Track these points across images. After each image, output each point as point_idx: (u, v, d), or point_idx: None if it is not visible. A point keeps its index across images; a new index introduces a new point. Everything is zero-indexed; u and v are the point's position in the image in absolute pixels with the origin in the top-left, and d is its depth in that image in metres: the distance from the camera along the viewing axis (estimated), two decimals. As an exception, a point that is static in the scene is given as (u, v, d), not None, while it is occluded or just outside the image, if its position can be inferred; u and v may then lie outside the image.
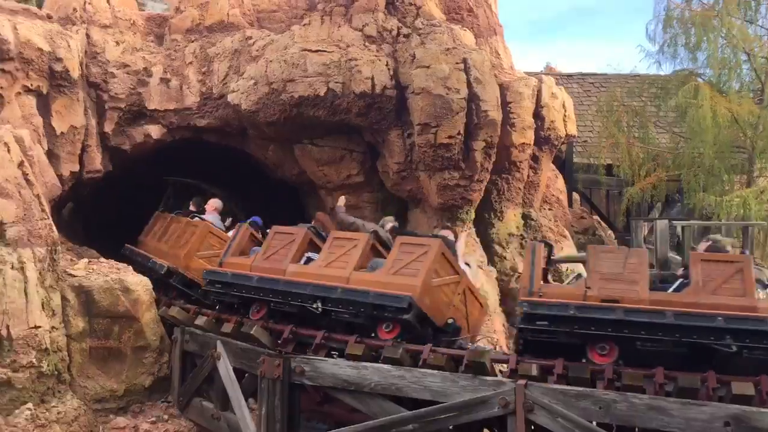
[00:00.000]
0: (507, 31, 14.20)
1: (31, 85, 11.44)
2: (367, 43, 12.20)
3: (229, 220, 11.71)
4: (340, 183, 12.76)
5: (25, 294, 8.62)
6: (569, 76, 20.77)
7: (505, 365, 7.41)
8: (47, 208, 9.58)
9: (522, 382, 6.65)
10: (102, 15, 13.05)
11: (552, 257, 8.24)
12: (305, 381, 7.90)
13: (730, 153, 15.54)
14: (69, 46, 11.81)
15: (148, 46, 13.37)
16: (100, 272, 9.97)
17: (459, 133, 11.38)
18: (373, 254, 8.27)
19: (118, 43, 12.93)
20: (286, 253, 8.61)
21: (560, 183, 14.74)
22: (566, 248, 12.96)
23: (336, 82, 11.60)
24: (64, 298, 9.32)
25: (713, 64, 15.93)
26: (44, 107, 11.70)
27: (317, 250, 8.62)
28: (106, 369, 9.59)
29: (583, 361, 6.76)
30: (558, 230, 13.21)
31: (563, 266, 12.41)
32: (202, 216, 11.40)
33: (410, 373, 7.23)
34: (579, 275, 10.02)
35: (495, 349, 8.54)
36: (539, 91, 12.75)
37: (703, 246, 7.86)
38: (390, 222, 9.49)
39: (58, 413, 8.59)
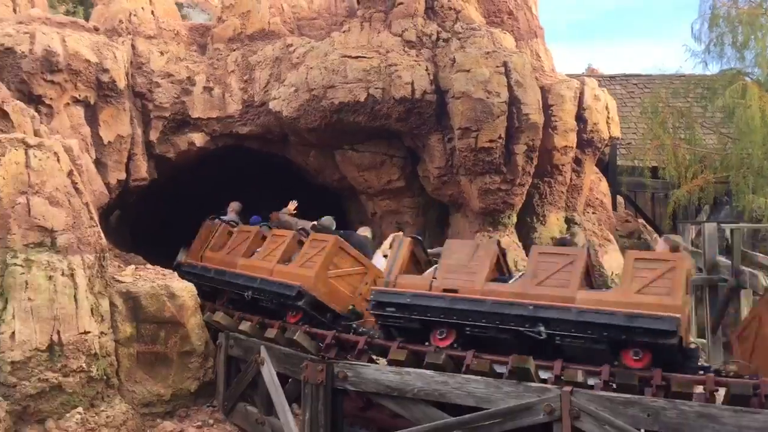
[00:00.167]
0: (547, 34, 14.09)
1: (79, 95, 11.74)
2: (406, 49, 12.22)
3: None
4: (381, 188, 12.79)
5: (75, 300, 8.79)
6: (612, 77, 20.49)
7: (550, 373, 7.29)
8: (96, 216, 9.78)
9: (568, 388, 6.55)
10: (147, 26, 13.33)
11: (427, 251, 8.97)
12: (348, 386, 7.92)
13: (779, 153, 15.12)
14: (115, 57, 12.09)
15: (191, 56, 13.60)
16: (146, 278, 10.14)
17: (500, 137, 11.31)
18: (298, 249, 9.54)
19: (162, 53, 13.19)
20: None
21: (604, 186, 14.52)
22: (611, 252, 12.75)
23: (376, 88, 11.64)
24: (112, 304, 9.48)
25: (761, 63, 15.53)
26: (92, 117, 12.00)
27: None
28: (153, 374, 9.73)
29: (426, 344, 7.57)
30: (602, 234, 13.01)
31: (608, 269, 12.24)
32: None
33: (453, 378, 7.19)
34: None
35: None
36: (581, 94, 12.60)
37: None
38: (327, 220, 10.17)
39: (107, 417, 8.74)
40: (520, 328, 7.06)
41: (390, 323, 7.91)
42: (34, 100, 11.29)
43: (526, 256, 12.06)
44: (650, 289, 6.72)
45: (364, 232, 10.40)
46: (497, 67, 11.44)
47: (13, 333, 8.31)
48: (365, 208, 13.36)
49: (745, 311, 11.34)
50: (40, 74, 11.27)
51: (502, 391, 6.91)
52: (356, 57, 11.94)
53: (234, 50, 13.52)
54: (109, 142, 12.13)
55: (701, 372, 6.79)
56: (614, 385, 6.65)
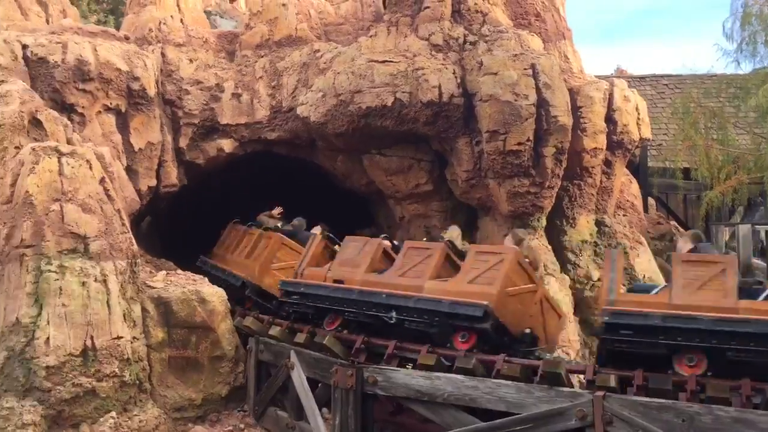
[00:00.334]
0: (575, 35, 13.96)
1: (111, 103, 11.92)
2: (433, 52, 12.20)
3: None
4: (409, 192, 12.77)
5: (108, 306, 8.91)
6: (642, 78, 20.25)
7: (581, 375, 7.22)
8: (127, 222, 9.91)
9: (600, 393, 6.47)
10: (176, 34, 13.50)
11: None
12: (378, 391, 7.90)
13: (815, 153, 14.79)
14: (145, 65, 12.26)
15: (219, 63, 13.74)
16: (177, 284, 10.24)
17: (528, 140, 11.22)
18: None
19: (191, 61, 13.34)
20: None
21: (635, 188, 14.34)
22: (642, 255, 12.58)
23: (403, 92, 11.63)
24: (144, 309, 9.59)
25: (795, 61, 15.21)
26: (123, 125, 12.18)
27: None
28: (185, 378, 9.81)
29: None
30: (633, 236, 12.84)
31: (639, 272, 12.08)
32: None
33: (484, 383, 7.14)
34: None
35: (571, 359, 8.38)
36: (611, 95, 12.46)
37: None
38: (297, 221, 11.35)
39: (140, 421, 8.83)
40: (378, 314, 8.23)
41: (294, 309, 9.38)
42: (66, 108, 11.50)
43: (556, 259, 12.03)
44: (480, 279, 7.75)
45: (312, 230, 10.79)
46: (525, 69, 11.36)
47: (48, 338, 8.45)
48: (393, 212, 13.35)
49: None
50: (72, 83, 11.48)
51: (533, 396, 6.85)
52: (383, 61, 11.95)
53: (262, 56, 13.63)
54: (140, 149, 12.29)
55: (532, 357, 7.52)
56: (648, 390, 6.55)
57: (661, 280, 11.24)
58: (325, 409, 8.78)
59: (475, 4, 12.72)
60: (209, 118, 13.16)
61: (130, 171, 12.06)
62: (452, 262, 8.37)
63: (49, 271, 8.68)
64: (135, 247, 9.72)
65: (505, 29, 12.43)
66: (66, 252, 8.85)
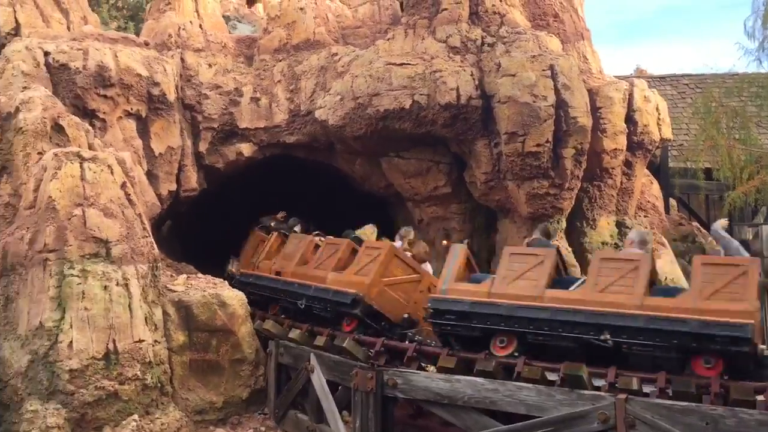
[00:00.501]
0: (593, 35, 13.87)
1: (131, 109, 12.03)
2: (451, 54, 12.18)
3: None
4: (428, 194, 12.75)
5: (130, 309, 8.98)
6: (662, 78, 20.06)
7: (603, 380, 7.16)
8: (148, 227, 9.99)
9: (622, 396, 6.41)
10: (195, 39, 13.60)
11: None
12: (398, 394, 7.90)
13: (840, 152, 14.58)
14: (165, 70, 12.36)
15: (238, 67, 13.81)
16: (198, 287, 10.31)
17: (547, 141, 11.17)
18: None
19: (210, 66, 13.43)
20: None
21: (655, 189, 14.20)
22: (664, 256, 12.45)
23: (421, 94, 11.62)
24: (165, 313, 9.66)
25: (819, 59, 15.00)
26: (143, 130, 12.29)
27: None
28: (206, 381, 9.86)
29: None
30: (655, 238, 12.71)
31: (661, 274, 11.95)
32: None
33: (504, 386, 7.11)
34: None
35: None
36: (631, 95, 12.37)
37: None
38: (293, 221, 12.52)
39: (162, 424, 8.88)
40: (295, 300, 9.85)
41: (250, 292, 9.88)
42: (88, 114, 11.63)
43: (576, 261, 11.94)
44: (361, 271, 8.90)
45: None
46: (543, 70, 11.31)
47: (71, 342, 8.52)
48: (412, 215, 13.34)
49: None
50: (93, 89, 11.60)
51: (554, 398, 6.80)
52: (401, 64, 11.95)
53: (280, 61, 13.68)
54: (160, 153, 12.39)
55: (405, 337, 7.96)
56: (670, 393, 6.49)
57: (684, 282, 11.12)
58: (345, 412, 8.79)
59: (493, 5, 12.68)
60: (228, 122, 13.23)
61: (150, 175, 12.16)
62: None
63: (72, 275, 8.76)
64: (156, 251, 9.79)
65: (523, 30, 12.38)
66: (88, 256, 8.93)
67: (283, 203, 13.67)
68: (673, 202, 16.59)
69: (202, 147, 13.16)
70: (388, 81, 11.80)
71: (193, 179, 13.05)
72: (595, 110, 11.83)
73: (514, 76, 11.34)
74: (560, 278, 7.60)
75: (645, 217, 13.22)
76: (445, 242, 11.74)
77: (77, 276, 8.77)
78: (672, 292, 7.18)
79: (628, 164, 12.64)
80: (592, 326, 6.82)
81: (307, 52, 13.63)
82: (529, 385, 6.98)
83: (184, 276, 10.89)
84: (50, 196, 9.06)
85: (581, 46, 13.32)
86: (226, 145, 13.40)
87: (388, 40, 12.77)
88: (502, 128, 11.34)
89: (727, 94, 16.65)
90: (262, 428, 9.81)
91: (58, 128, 10.25)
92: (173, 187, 12.65)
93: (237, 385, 10.06)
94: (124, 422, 8.62)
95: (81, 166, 9.32)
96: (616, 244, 12.46)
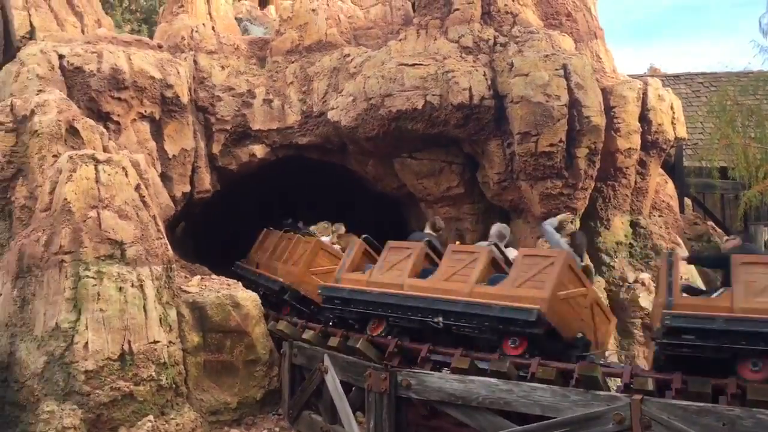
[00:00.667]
0: (606, 34, 13.79)
1: (145, 111, 12.10)
2: (463, 54, 12.16)
3: None
4: (440, 195, 12.73)
5: (145, 310, 9.02)
6: (676, 76, 19.95)
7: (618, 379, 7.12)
8: (162, 228, 10.04)
9: (638, 396, 6.37)
10: (208, 42, 13.65)
11: None
12: (411, 395, 7.88)
13: None
14: (178, 72, 12.42)
15: (251, 69, 13.85)
16: (212, 288, 10.35)
17: (561, 141, 11.12)
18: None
19: (223, 68, 13.48)
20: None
21: (670, 188, 14.10)
22: (679, 256, 12.34)
23: (433, 95, 11.60)
24: (179, 314, 9.70)
25: (835, 57, 14.85)
26: (157, 132, 12.35)
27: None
28: (220, 382, 9.89)
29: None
30: (669, 237, 12.62)
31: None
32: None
33: (519, 387, 7.08)
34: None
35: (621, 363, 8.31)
36: (645, 94, 12.29)
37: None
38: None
39: (177, 425, 8.91)
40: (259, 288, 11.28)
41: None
42: (102, 117, 11.70)
43: (591, 261, 11.87)
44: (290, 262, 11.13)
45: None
46: (556, 69, 11.26)
47: (87, 343, 8.57)
48: (425, 216, 13.31)
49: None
50: (107, 92, 11.68)
51: (569, 399, 6.76)
52: (413, 65, 11.94)
53: (292, 62, 13.71)
54: (174, 155, 12.45)
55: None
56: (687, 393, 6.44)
57: (700, 282, 11.04)
58: (359, 413, 8.79)
59: (505, 5, 12.65)
60: (241, 124, 13.27)
61: (164, 177, 12.22)
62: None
63: (87, 276, 8.81)
64: (170, 252, 9.83)
65: (536, 30, 12.34)
66: (103, 258, 8.98)
67: (296, 204, 13.71)
68: (688, 201, 16.47)
69: (215, 149, 13.21)
70: (401, 82, 11.79)
71: (206, 181, 13.10)
72: (608, 109, 11.76)
73: (526, 75, 11.30)
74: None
75: (660, 216, 13.13)
76: (458, 242, 11.69)
77: (93, 277, 8.81)
78: (498, 280, 7.75)
79: (642, 163, 12.57)
80: (429, 311, 7.86)
81: (319, 53, 13.65)
82: (544, 386, 6.94)
83: (198, 277, 10.94)
84: (65, 199, 9.12)
85: (594, 45, 13.26)
86: (238, 146, 13.44)
87: (400, 40, 12.76)
88: (515, 128, 11.30)
89: (742, 92, 16.55)
90: (277, 429, 9.83)
91: (72, 131, 10.33)
92: (187, 188, 12.71)
93: (251, 386, 10.08)
94: (139, 423, 8.65)
95: (96, 169, 9.38)
96: (630, 243, 12.40)
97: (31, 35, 12.82)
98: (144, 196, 9.78)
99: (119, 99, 11.80)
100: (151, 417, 8.72)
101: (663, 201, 13.52)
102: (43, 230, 9.18)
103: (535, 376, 7.06)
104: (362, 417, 8.66)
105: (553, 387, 6.90)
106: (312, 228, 12.38)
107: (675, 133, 12.73)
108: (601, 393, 6.69)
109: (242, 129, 13.31)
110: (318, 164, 13.97)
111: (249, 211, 14.39)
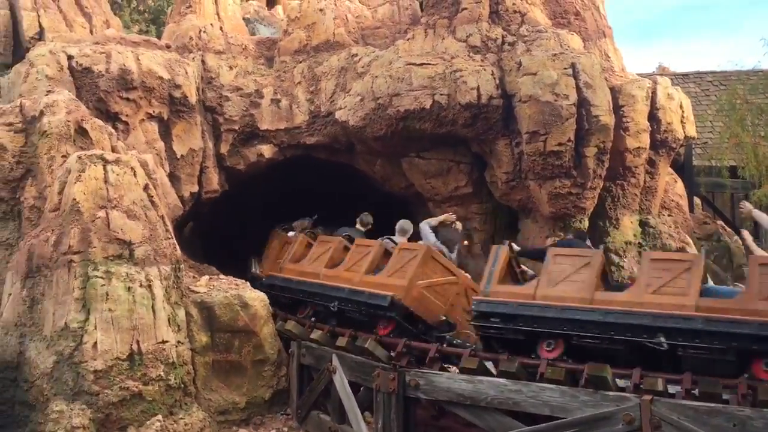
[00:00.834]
0: (615, 33, 13.73)
1: (153, 111, 12.13)
2: (471, 54, 12.13)
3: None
4: (448, 195, 12.71)
5: (153, 310, 9.04)
6: (685, 75, 19.85)
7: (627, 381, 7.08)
8: (171, 228, 10.05)
9: (648, 397, 6.34)
10: (216, 42, 13.67)
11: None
12: (420, 395, 7.88)
13: None
14: (186, 73, 12.45)
15: (259, 69, 13.87)
16: (220, 288, 10.36)
17: (569, 140, 11.08)
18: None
19: (231, 68, 13.50)
20: None
21: (679, 187, 14.03)
22: (688, 255, 12.28)
23: (441, 94, 11.58)
24: (188, 314, 9.72)
25: None
26: (165, 132, 12.38)
27: None
28: (228, 382, 9.91)
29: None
30: (679, 237, 12.56)
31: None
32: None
33: (527, 387, 7.06)
34: None
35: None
36: (654, 93, 12.23)
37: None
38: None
39: (186, 425, 8.93)
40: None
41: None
42: (111, 117, 11.74)
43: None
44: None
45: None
46: (565, 69, 11.21)
47: (95, 343, 8.59)
48: (433, 215, 13.29)
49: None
50: (116, 92, 11.71)
51: (578, 399, 6.75)
52: (421, 64, 11.92)
53: (300, 62, 13.72)
54: (182, 155, 12.47)
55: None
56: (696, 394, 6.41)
57: (709, 281, 10.97)
58: (367, 413, 8.78)
59: (513, 4, 12.62)
60: (249, 124, 13.29)
61: (172, 177, 12.25)
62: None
63: (96, 276, 8.83)
64: (178, 252, 9.85)
65: (544, 29, 12.30)
66: (112, 258, 9.01)
67: (304, 204, 13.70)
68: (697, 200, 16.40)
69: (224, 149, 13.23)
70: (409, 81, 11.77)
71: (214, 181, 13.13)
72: (617, 108, 11.71)
73: (535, 74, 11.26)
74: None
75: (669, 216, 13.06)
76: (466, 242, 11.69)
77: (101, 277, 8.84)
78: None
79: (651, 163, 12.50)
80: (327, 297, 9.46)
81: (327, 53, 13.65)
82: (553, 386, 6.93)
83: (207, 277, 10.95)
84: (74, 199, 9.14)
85: (603, 44, 13.20)
86: (246, 146, 13.45)
87: (408, 40, 12.75)
88: (524, 127, 11.27)
89: (752, 90, 16.48)
90: (285, 429, 9.84)
91: (81, 131, 10.36)
92: (195, 188, 12.73)
93: (259, 386, 10.09)
94: (148, 422, 8.68)
95: (104, 169, 9.40)
96: (639, 243, 12.34)
97: (40, 36, 12.87)
98: (152, 196, 9.80)
99: (128, 99, 11.83)
100: (159, 417, 8.74)
101: (672, 200, 13.45)
102: (52, 230, 9.21)
103: (544, 376, 7.04)
104: (370, 417, 8.66)
105: (562, 387, 6.89)
106: (295, 224, 12.32)
107: (684, 132, 12.66)
108: (611, 393, 6.67)
109: (250, 129, 13.33)
110: (326, 164, 13.97)
111: (258, 211, 14.39)
